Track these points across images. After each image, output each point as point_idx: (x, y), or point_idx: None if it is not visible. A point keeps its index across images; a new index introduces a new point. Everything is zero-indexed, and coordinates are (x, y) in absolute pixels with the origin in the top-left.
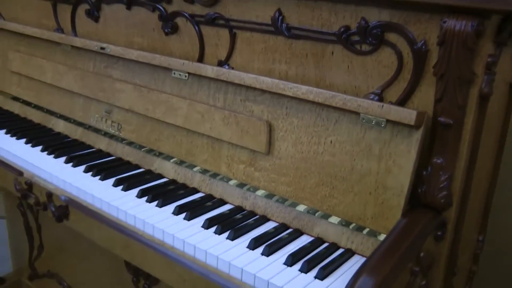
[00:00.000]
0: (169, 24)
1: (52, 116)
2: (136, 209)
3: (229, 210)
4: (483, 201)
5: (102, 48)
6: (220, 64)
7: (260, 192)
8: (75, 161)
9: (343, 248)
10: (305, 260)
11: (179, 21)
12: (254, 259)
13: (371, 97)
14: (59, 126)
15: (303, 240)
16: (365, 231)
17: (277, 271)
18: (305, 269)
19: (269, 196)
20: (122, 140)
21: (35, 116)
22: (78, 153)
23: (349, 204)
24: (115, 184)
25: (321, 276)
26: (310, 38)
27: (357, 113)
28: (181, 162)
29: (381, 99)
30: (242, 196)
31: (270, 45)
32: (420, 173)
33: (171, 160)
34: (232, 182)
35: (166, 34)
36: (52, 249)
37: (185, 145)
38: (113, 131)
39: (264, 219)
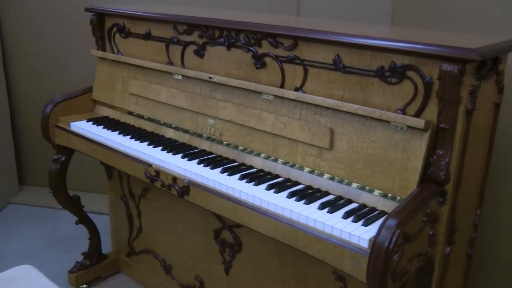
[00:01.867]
0: (259, 61)
1: (162, 126)
2: (240, 186)
3: (302, 187)
4: (478, 185)
5: (210, 78)
6: (296, 89)
7: (324, 176)
8: (189, 156)
9: (379, 210)
10: (355, 215)
11: (267, 59)
12: (322, 215)
13: (398, 112)
14: (169, 133)
15: (353, 206)
16: (393, 199)
17: (338, 221)
18: (355, 220)
19: (331, 178)
20: (221, 142)
21: (148, 126)
22: (189, 152)
23: (383, 181)
24: (222, 172)
25: (366, 224)
26: (358, 74)
27: (388, 122)
28: (267, 157)
29: (404, 113)
30: (311, 179)
31: (331, 78)
32: (429, 160)
33: (260, 156)
34: (304, 169)
35: (257, 68)
36: (149, 231)
37: (271, 145)
38: (216, 136)
39: (326, 193)
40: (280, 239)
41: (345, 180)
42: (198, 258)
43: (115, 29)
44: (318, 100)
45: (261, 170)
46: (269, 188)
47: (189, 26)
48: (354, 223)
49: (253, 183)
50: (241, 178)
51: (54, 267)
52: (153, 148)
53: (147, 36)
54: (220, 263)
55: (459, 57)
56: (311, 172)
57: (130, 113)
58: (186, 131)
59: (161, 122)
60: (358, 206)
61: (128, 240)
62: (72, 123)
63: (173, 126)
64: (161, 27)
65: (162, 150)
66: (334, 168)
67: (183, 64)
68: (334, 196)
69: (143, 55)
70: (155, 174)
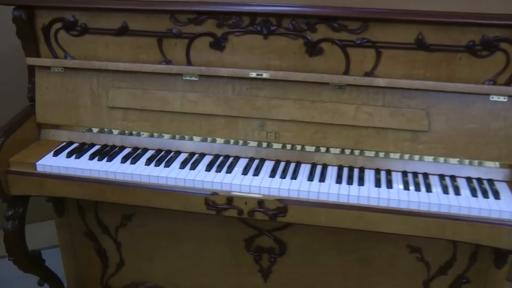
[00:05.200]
0: (315, 48)
1: (171, 140)
2: (351, 191)
3: (401, 176)
4: None
5: (259, 74)
6: (367, 74)
7: (421, 158)
8: (252, 171)
9: (486, 179)
10: (480, 191)
11: (324, 45)
12: (457, 199)
13: (486, 83)
14: (187, 147)
15: (463, 182)
16: (497, 166)
17: (475, 202)
18: (485, 196)
19: (430, 159)
20: (269, 145)
21: (148, 144)
22: (243, 166)
23: (490, 151)
24: (309, 179)
25: (498, 197)
26: (444, 50)
27: (487, 95)
28: (340, 151)
29: (494, 83)
30: (404, 164)
31: (411, 58)
32: None
33: (331, 152)
34: (396, 156)
35: (310, 56)
36: (137, 261)
37: (352, 137)
38: (271, 139)
39: (427, 176)
40: (422, 234)
41: (446, 158)
42: (220, 274)
43: (57, 25)
44: (417, 84)
45: (341, 167)
46: (377, 184)
47: (198, 14)
48: (487, 199)
49: (357, 182)
50: (339, 181)
51: None
52: (192, 171)
53: (122, 31)
54: (256, 272)
55: None
56: (405, 157)
57: (101, 130)
58: (212, 140)
59: (168, 136)
60: (468, 182)
61: (101, 280)
62: (38, 163)
63: (193, 138)
64: (146, 18)
65: (207, 170)
66: (434, 149)
67: (189, 62)
68: (437, 177)
69: (116, 56)
70: (226, 202)
